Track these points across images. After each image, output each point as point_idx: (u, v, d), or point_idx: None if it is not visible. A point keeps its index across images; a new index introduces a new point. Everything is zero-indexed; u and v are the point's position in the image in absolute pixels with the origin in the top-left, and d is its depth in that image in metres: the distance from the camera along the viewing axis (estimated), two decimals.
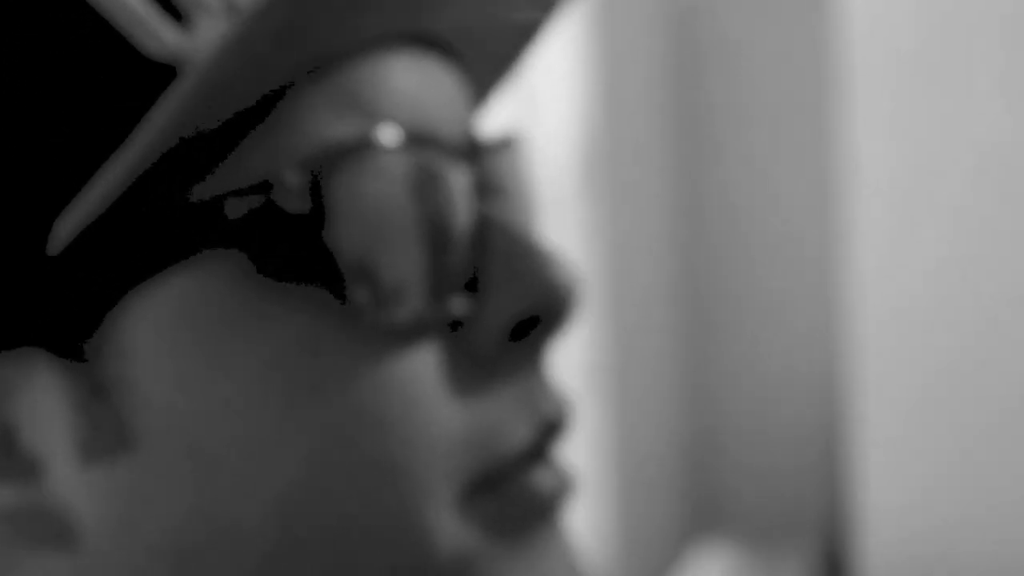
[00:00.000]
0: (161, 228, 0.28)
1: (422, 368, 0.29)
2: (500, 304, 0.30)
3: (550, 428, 0.31)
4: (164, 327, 0.28)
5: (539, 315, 0.31)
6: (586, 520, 2.01)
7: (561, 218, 1.96)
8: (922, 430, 1.70)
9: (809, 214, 2.19)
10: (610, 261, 2.00)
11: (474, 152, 0.31)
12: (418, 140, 0.29)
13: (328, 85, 0.29)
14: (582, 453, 1.99)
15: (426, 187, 0.29)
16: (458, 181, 0.30)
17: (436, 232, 0.29)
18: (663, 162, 2.21)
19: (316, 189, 0.28)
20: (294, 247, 0.28)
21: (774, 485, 2.26)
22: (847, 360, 2.05)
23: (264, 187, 0.28)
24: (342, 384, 0.28)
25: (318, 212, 0.28)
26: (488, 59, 0.36)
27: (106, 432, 0.28)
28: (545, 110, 1.87)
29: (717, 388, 2.29)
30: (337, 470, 0.28)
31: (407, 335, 0.29)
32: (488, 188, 0.32)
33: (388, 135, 0.29)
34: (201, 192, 0.28)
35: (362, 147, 0.28)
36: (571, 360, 1.99)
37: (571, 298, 0.30)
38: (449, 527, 0.30)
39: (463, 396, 0.30)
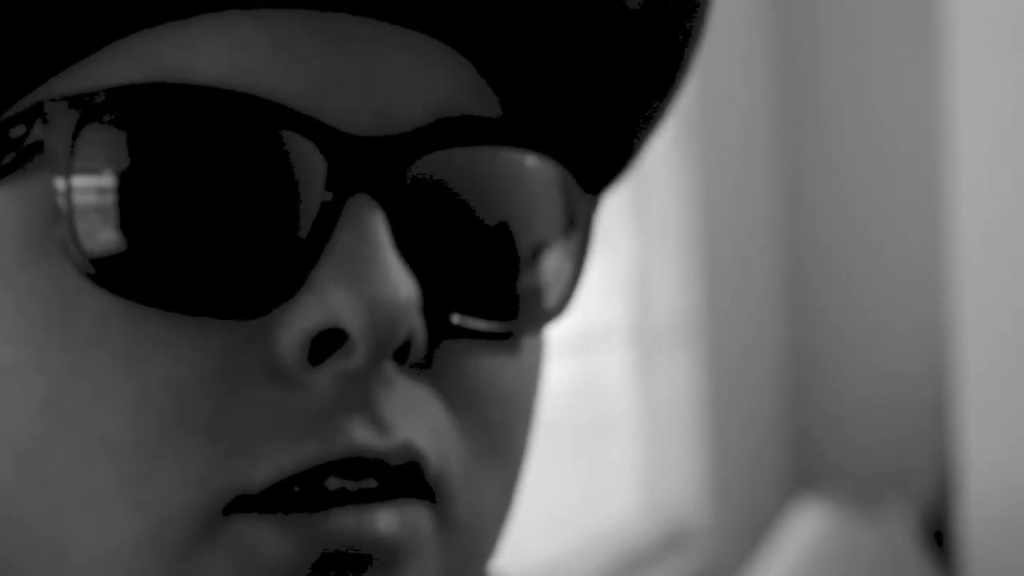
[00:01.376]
0: None
1: (174, 361, 0.26)
2: (303, 309, 0.26)
3: (344, 464, 0.26)
4: None
5: (347, 331, 0.26)
6: (684, 479, 2.02)
7: (657, 172, 1.97)
8: None
9: (916, 169, 2.19)
10: (706, 209, 2.00)
11: (384, 144, 0.28)
12: (226, 103, 0.26)
13: (153, 33, 0.28)
14: (679, 410, 2.00)
15: (212, 152, 0.26)
16: (288, 157, 0.27)
17: (213, 209, 0.26)
18: (762, 114, 2.19)
19: (79, 133, 0.26)
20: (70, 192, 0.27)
21: (876, 443, 2.29)
22: (954, 317, 2.03)
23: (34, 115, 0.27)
24: (84, 348, 0.26)
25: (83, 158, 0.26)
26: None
27: None
28: None
29: (818, 344, 2.30)
30: (60, 438, 0.27)
31: (171, 320, 0.26)
32: (385, 185, 0.28)
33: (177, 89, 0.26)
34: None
35: (141, 95, 0.26)
36: (667, 314, 2.00)
37: (385, 323, 0.26)
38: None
39: (234, 409, 0.27)
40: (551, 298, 0.31)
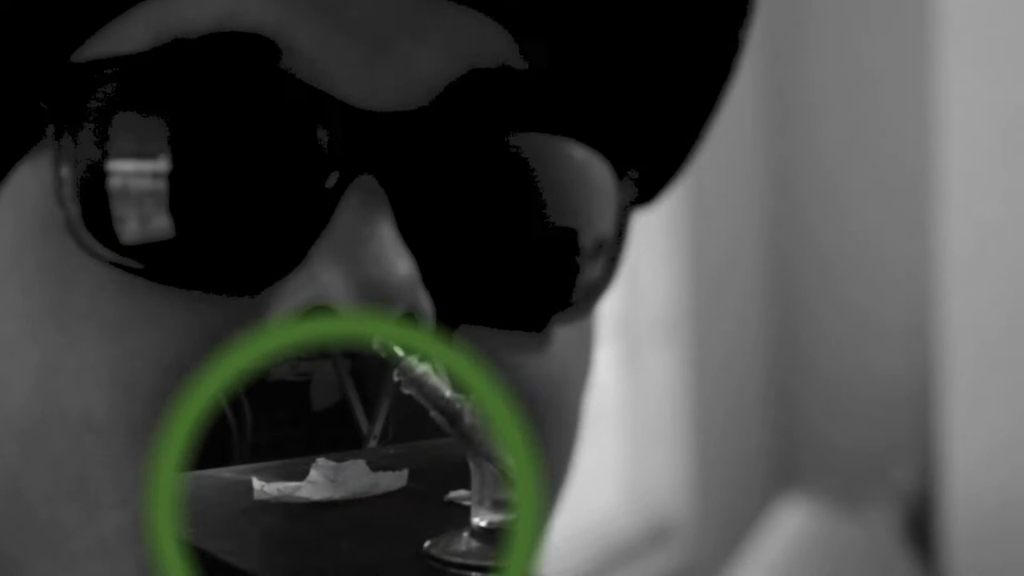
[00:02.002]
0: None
1: (163, 337, 0.26)
2: (295, 288, 0.26)
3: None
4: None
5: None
6: (668, 474, 2.02)
7: None
8: (1015, 387, 1.66)
9: (904, 166, 2.21)
10: (693, 204, 2.01)
11: (398, 121, 0.26)
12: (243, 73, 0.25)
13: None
14: (664, 405, 2.01)
15: (213, 124, 0.25)
16: (293, 132, 0.26)
17: (217, 178, 0.25)
18: (750, 109, 2.17)
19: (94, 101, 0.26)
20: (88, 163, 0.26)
21: (861, 440, 2.28)
22: (939, 314, 2.03)
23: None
24: (78, 322, 0.26)
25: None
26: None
27: None
28: None
29: (804, 341, 2.34)
30: (52, 417, 0.26)
31: (164, 294, 0.26)
32: (391, 167, 0.26)
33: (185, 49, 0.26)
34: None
35: (143, 63, 0.26)
36: (652, 308, 1.99)
37: (375, 302, 0.25)
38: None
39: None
40: (579, 290, 0.29)
